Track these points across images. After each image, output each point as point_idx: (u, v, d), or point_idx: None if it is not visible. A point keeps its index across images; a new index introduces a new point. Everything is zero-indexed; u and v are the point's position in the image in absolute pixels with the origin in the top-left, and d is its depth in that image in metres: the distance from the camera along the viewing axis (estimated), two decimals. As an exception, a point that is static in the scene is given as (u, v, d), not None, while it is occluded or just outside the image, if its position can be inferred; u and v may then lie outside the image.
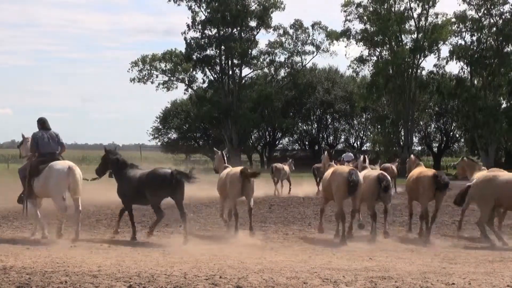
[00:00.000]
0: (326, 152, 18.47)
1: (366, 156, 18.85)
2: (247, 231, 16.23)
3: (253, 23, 71.78)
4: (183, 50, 71.71)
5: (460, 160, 20.49)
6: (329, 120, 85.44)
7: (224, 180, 16.95)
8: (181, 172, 15.67)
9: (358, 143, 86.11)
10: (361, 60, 68.81)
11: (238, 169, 16.75)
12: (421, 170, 17.10)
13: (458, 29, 65.41)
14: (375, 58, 68.53)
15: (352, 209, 16.03)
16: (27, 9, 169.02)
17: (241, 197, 16.57)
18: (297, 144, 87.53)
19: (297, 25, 73.09)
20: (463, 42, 65.41)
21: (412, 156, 18.82)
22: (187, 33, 71.16)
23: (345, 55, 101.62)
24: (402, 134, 67.95)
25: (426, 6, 65.61)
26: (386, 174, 16.70)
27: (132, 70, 73.66)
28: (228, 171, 17.09)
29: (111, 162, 16.46)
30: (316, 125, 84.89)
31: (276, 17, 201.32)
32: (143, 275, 10.42)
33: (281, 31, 73.02)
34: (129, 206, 16.12)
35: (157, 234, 16.48)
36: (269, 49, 73.50)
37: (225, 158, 18.40)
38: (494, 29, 64.06)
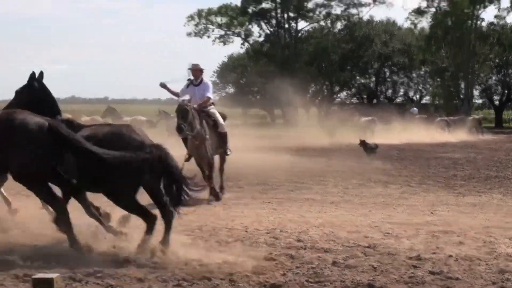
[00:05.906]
0: None
1: None
2: None
3: (309, -25, 71.07)
4: (239, 4, 71.51)
5: None
6: (387, 73, 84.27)
7: None
8: None
9: (418, 96, 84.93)
10: (419, 11, 67.80)
11: None
12: None
13: (521, -23, 63.74)
14: (433, 9, 67.46)
15: None
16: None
17: None
18: (355, 98, 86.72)
19: (354, -24, 72.05)
20: (525, -8, 63.77)
21: None
22: (243, -14, 71.01)
23: (403, 6, 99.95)
24: (462, 87, 66.90)
25: (488, -46, 64.03)
26: None
27: (188, 24, 73.77)
28: None
29: None
30: (374, 79, 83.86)
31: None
32: (204, 229, 10.53)
33: (337, -17, 72.15)
34: None
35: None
36: (325, 2, 72.73)
37: None
38: (559, -24, 62.19)
